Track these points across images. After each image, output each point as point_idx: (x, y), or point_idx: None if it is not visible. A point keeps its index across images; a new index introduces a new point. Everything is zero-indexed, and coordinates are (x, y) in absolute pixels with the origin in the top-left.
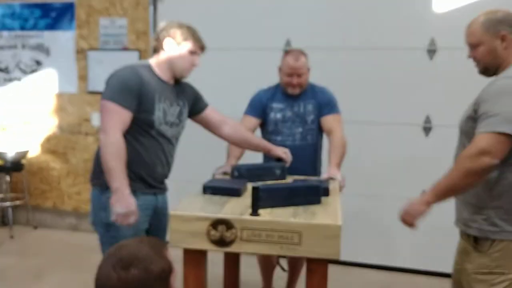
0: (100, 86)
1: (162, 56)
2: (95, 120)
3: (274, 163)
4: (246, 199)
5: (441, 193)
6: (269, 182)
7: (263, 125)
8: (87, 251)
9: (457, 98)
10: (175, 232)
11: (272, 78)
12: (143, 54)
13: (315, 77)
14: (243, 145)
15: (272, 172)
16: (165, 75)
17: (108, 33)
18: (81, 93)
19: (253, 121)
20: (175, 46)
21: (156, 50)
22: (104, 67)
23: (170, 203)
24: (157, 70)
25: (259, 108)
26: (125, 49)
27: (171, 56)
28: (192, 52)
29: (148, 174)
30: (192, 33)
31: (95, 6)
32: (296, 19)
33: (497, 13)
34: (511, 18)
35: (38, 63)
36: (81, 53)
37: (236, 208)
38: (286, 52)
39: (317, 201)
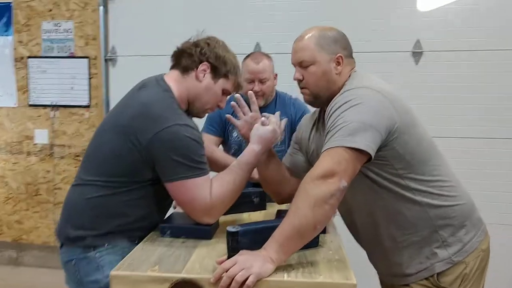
0: (44, 98)
1: (189, 81)
2: (40, 137)
3: (252, 189)
4: (220, 243)
5: (288, 241)
6: (246, 217)
7: (224, 146)
8: None
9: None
10: None
11: None
12: (93, 63)
13: (289, 85)
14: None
15: (249, 201)
16: (183, 107)
17: (52, 38)
18: (22, 107)
19: (213, 140)
20: (210, 77)
21: (185, 69)
22: (47, 76)
23: None
24: (179, 101)
25: (219, 124)
26: (72, 56)
27: (201, 87)
28: (224, 92)
29: None
30: (237, 66)
31: (36, 7)
32: (267, 21)
33: (331, 30)
34: (345, 40)
35: None
36: (20, 61)
37: (207, 260)
38: (247, 56)
39: (314, 243)
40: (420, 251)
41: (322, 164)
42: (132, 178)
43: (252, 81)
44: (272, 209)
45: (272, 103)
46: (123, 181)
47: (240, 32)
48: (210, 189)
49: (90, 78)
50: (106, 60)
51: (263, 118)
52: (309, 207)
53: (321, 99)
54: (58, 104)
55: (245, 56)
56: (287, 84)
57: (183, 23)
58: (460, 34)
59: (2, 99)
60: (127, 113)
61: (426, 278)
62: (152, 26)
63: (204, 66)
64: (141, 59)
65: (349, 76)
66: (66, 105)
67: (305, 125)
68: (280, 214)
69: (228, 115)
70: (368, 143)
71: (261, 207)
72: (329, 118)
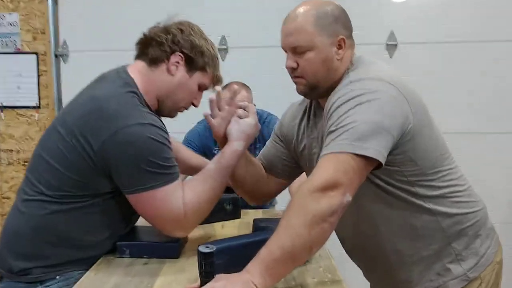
0: None
1: (158, 75)
2: None
3: (224, 195)
4: (189, 263)
5: (276, 264)
6: (218, 229)
7: None
8: None
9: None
10: None
11: None
12: (42, 59)
13: (268, 79)
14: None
15: (221, 208)
16: (151, 105)
17: None
18: None
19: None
20: (184, 70)
21: (153, 60)
22: None
23: None
24: (146, 97)
25: (198, 147)
26: (18, 52)
27: (173, 82)
28: (201, 87)
29: None
30: (216, 57)
31: None
32: (234, 11)
33: (330, 5)
34: (346, 16)
35: None
36: None
37: (174, 285)
38: (223, 87)
39: None
40: (430, 267)
41: (324, 172)
42: (85, 190)
43: None
44: (247, 217)
45: None
46: (74, 195)
47: (203, 23)
48: (182, 196)
49: (39, 76)
50: (56, 56)
51: (239, 110)
52: (304, 225)
53: (319, 90)
54: (3, 105)
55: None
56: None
57: (143, 13)
58: (435, 26)
59: None
60: (76, 111)
61: None
62: (108, 18)
63: (177, 57)
64: (96, 54)
65: (351, 62)
66: (12, 106)
67: (291, 115)
68: (258, 225)
69: (205, 113)
70: (380, 150)
71: (235, 215)
72: (331, 115)
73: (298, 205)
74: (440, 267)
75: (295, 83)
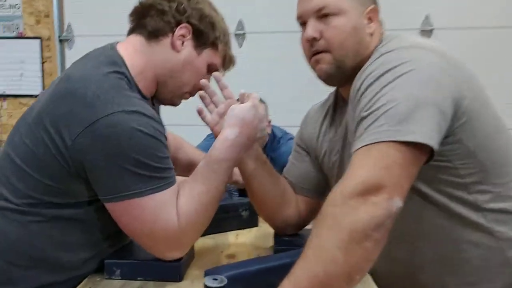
0: None
1: (159, 52)
2: None
3: (239, 200)
4: (196, 285)
5: None
6: (232, 239)
7: None
8: None
9: None
10: None
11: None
12: (46, 44)
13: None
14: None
15: (236, 215)
16: (146, 89)
17: None
18: None
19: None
20: (191, 45)
21: (153, 33)
22: None
23: None
24: (139, 81)
25: None
26: (21, 37)
27: (178, 60)
28: (211, 68)
29: None
30: (227, 32)
31: None
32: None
33: None
34: None
35: None
36: None
37: None
38: None
39: None
40: None
41: (360, 172)
42: (59, 198)
43: None
44: (266, 225)
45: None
46: (47, 203)
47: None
48: (176, 207)
49: (42, 63)
50: (61, 41)
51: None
52: (340, 245)
53: (346, 69)
54: (6, 93)
55: None
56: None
57: None
58: (472, 10)
59: None
60: (47, 96)
61: None
62: (115, 7)
63: (183, 29)
64: (103, 40)
65: (380, 40)
66: (15, 95)
67: (311, 118)
68: (280, 238)
69: (199, 107)
70: (429, 132)
71: (252, 223)
72: (361, 97)
73: (329, 218)
74: None
75: (316, 62)
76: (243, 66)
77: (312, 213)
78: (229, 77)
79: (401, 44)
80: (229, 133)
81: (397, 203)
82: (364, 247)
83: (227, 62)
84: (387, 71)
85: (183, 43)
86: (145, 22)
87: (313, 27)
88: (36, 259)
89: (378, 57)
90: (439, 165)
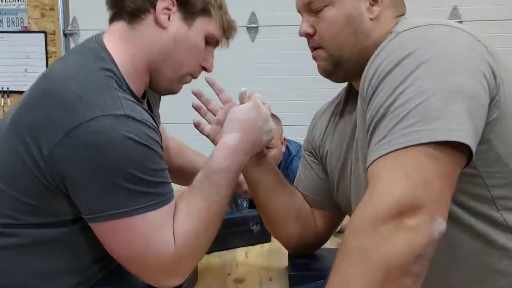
0: None
1: (145, 34)
2: None
3: (247, 213)
4: None
5: None
6: (242, 257)
7: None
8: None
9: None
10: None
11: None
12: (50, 39)
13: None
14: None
15: (246, 230)
16: (138, 86)
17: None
18: None
19: None
20: (179, 18)
21: (133, 14)
22: None
23: None
24: (129, 78)
25: None
26: (25, 31)
27: (167, 38)
28: (209, 39)
29: None
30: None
31: None
32: None
33: None
34: None
35: None
36: None
37: None
38: None
39: None
40: None
41: (389, 189)
42: (38, 217)
43: None
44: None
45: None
46: (24, 224)
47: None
48: (172, 228)
49: (47, 58)
50: (66, 35)
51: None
52: (372, 287)
53: (346, 66)
54: (9, 89)
55: None
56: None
57: None
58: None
59: None
60: (22, 102)
61: None
62: None
63: (165, 1)
64: None
65: (395, 24)
66: (20, 91)
67: (319, 118)
68: (295, 262)
69: (196, 120)
70: (471, 130)
71: (264, 238)
72: (377, 89)
73: (356, 252)
74: None
75: (314, 58)
76: (256, 62)
77: (330, 228)
78: (240, 72)
79: (423, 22)
80: (228, 139)
81: (440, 225)
82: (403, 285)
83: (227, 29)
84: (409, 55)
85: (169, 17)
86: (123, 5)
87: (306, 22)
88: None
89: (394, 38)
90: (466, 172)
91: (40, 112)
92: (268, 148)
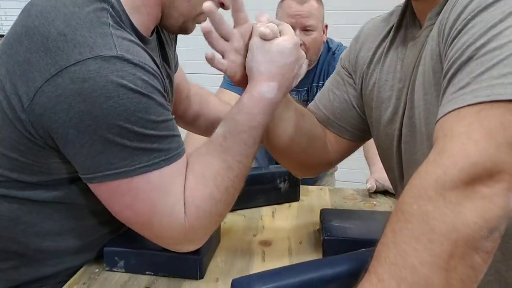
0: None
1: None
2: None
3: (275, 169)
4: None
5: None
6: (268, 218)
7: None
8: None
9: None
10: None
11: None
12: None
13: None
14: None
15: (273, 188)
16: (145, 21)
17: None
18: None
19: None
20: None
21: None
22: None
23: None
24: (133, 12)
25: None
26: None
27: None
28: None
29: None
30: None
31: None
32: None
33: None
34: None
35: None
36: None
37: None
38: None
39: None
40: None
41: (465, 149)
42: (31, 175)
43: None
44: (308, 199)
45: (315, 67)
46: (17, 181)
47: None
48: (183, 190)
49: None
50: None
51: (262, 28)
52: (435, 262)
53: None
54: None
55: None
56: None
57: None
58: None
59: None
60: (4, 42)
61: None
62: None
63: None
64: None
65: None
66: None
67: (368, 35)
68: (327, 221)
69: (209, 54)
70: None
71: (292, 197)
72: (465, 27)
73: (416, 220)
74: None
75: None
76: None
77: (343, 155)
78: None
79: None
80: (265, 89)
81: None
82: (471, 263)
83: None
84: None
85: None
86: None
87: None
88: (8, 251)
89: None
90: None
91: (19, 54)
92: (307, 30)
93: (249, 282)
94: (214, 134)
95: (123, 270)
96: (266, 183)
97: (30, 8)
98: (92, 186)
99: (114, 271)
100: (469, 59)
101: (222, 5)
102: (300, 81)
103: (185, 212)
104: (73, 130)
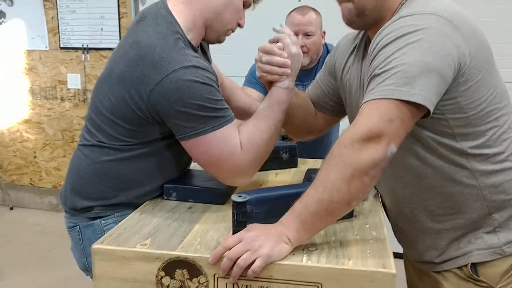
0: (74, 41)
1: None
2: (72, 82)
3: (279, 143)
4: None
5: (312, 218)
6: (272, 177)
7: None
8: (65, 238)
9: None
10: (101, 280)
11: None
12: (122, 1)
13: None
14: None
15: (277, 157)
16: (197, 39)
17: None
18: (53, 50)
19: (256, 95)
20: None
21: None
22: (77, 17)
23: None
24: (190, 36)
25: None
26: None
27: (220, 3)
28: (245, 3)
29: None
30: None
31: None
32: None
33: None
34: None
35: (0, 13)
36: (49, 0)
37: (211, 234)
38: (293, 9)
39: (348, 215)
40: (463, 236)
41: (367, 121)
42: (141, 138)
43: (296, 35)
44: (305, 166)
45: (317, 64)
46: (132, 144)
47: None
48: (239, 140)
49: (119, 18)
50: None
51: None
52: (344, 179)
53: (366, 18)
54: (89, 47)
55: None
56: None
57: None
58: None
59: (34, 42)
60: (121, 60)
61: (460, 268)
62: None
63: None
64: None
65: None
66: (96, 48)
67: (343, 46)
68: (309, 176)
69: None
70: (429, 96)
71: (291, 164)
72: (377, 55)
73: (337, 157)
74: (473, 235)
75: (342, 6)
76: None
77: (328, 126)
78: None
79: (421, 9)
80: (290, 83)
81: (393, 149)
82: (363, 181)
83: None
84: (401, 36)
85: None
86: None
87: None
88: (124, 184)
89: (397, 20)
90: (434, 117)
91: (137, 72)
92: (308, 35)
93: (245, 192)
94: (259, 108)
95: (175, 199)
96: (272, 154)
97: (137, 42)
98: (183, 142)
99: (169, 199)
100: (376, 75)
101: (239, 25)
102: (305, 77)
103: (242, 152)
104: (172, 110)
